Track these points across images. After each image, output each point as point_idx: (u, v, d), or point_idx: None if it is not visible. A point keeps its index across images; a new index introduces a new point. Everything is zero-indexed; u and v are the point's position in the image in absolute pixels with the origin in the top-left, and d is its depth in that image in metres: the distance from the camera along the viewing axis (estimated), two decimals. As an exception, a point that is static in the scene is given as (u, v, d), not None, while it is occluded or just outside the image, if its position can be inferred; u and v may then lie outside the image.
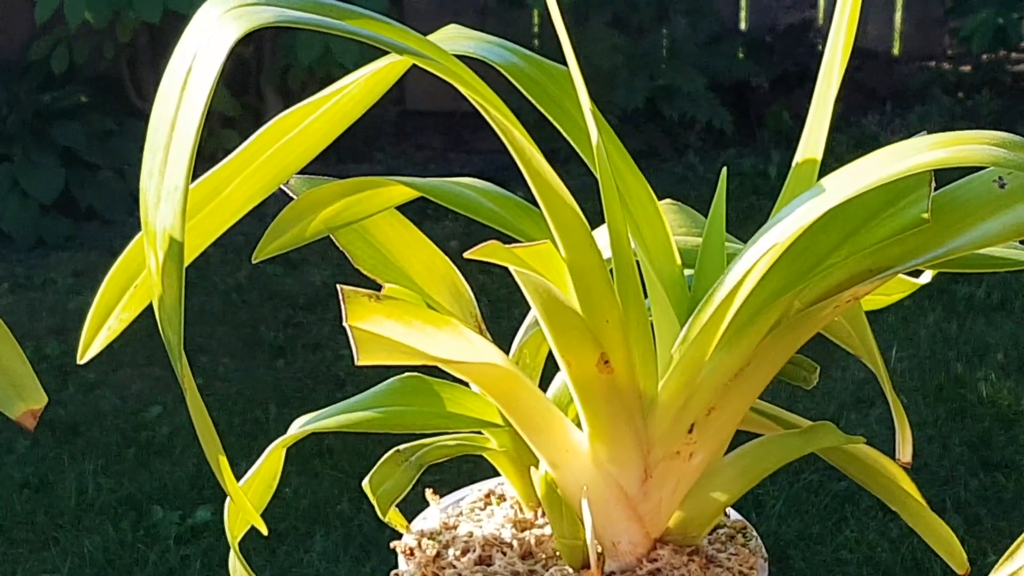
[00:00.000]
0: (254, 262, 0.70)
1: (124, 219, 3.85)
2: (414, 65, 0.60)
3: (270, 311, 3.17)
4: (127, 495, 2.41)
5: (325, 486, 2.42)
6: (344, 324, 0.55)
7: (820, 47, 4.74)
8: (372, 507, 2.42)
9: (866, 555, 2.22)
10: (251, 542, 2.25)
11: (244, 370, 2.89)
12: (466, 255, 0.56)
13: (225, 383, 2.83)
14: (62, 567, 2.19)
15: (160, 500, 2.38)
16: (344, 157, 4.28)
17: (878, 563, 2.20)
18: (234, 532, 0.68)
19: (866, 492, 2.46)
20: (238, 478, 2.33)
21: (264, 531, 0.62)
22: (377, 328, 0.56)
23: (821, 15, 4.82)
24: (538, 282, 0.60)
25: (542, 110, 0.68)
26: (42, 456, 2.56)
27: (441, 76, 0.58)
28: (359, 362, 0.55)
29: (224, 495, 2.24)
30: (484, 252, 0.56)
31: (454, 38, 0.67)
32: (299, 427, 0.67)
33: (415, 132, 4.52)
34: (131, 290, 0.65)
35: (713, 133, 4.31)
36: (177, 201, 0.51)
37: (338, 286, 0.56)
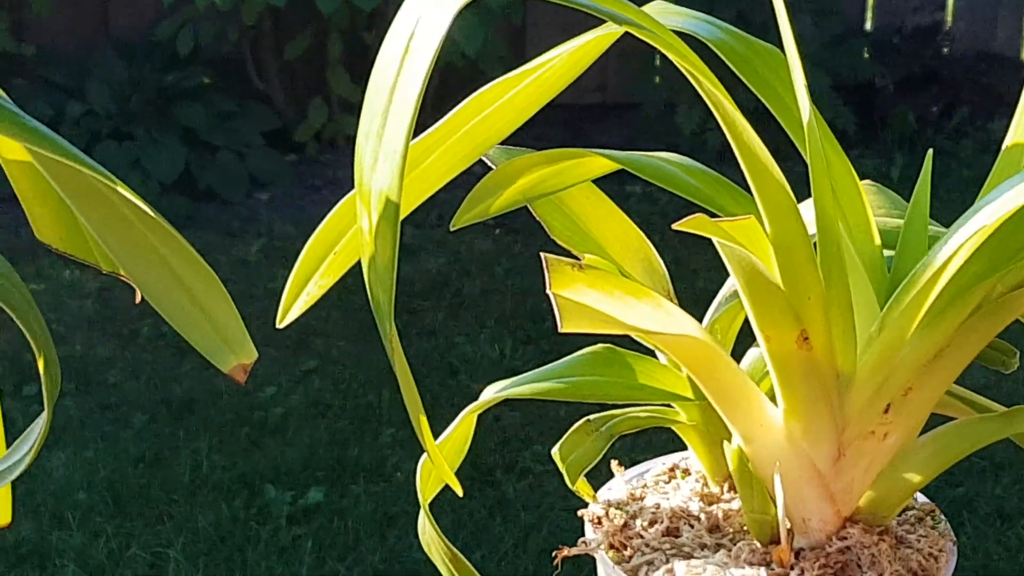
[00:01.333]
0: (452, 229, 0.73)
1: (242, 200, 3.88)
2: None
3: (385, 297, 3.17)
4: (240, 474, 2.42)
5: (437, 473, 2.42)
6: (548, 292, 0.55)
7: (947, 50, 4.66)
8: (483, 495, 2.41)
9: (982, 563, 2.18)
10: (362, 527, 2.26)
11: (358, 354, 2.90)
12: (675, 226, 0.56)
13: (339, 366, 2.85)
14: (175, 542, 2.21)
15: (272, 480, 2.40)
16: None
17: (995, 572, 2.16)
18: (425, 493, 0.69)
19: (984, 499, 2.41)
20: (355, 462, 2.34)
21: (459, 491, 0.63)
22: (579, 297, 0.57)
23: (949, 17, 4.74)
24: (742, 255, 0.60)
25: (750, 87, 0.68)
26: (158, 432, 2.59)
27: (658, 47, 0.58)
28: (562, 329, 0.55)
29: (337, 479, 2.25)
30: (691, 224, 0.56)
31: (662, 12, 0.67)
32: (493, 393, 0.68)
33: (534, 123, 4.50)
34: (330, 257, 0.67)
35: (836, 133, 4.24)
36: (396, 163, 0.52)
37: (542, 255, 0.57)
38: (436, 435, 0.65)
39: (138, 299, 0.61)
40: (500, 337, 3.00)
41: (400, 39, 0.54)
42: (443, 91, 4.36)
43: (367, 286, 0.54)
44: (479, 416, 0.70)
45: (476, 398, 0.68)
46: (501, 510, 2.33)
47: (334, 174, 4.15)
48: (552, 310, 0.58)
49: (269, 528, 2.25)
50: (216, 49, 4.12)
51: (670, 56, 0.58)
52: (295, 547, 2.21)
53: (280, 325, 0.68)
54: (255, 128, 4.06)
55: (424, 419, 0.56)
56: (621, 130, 4.44)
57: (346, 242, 0.66)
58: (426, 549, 0.71)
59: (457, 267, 3.39)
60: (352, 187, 0.55)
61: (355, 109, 4.25)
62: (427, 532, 0.71)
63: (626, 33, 0.59)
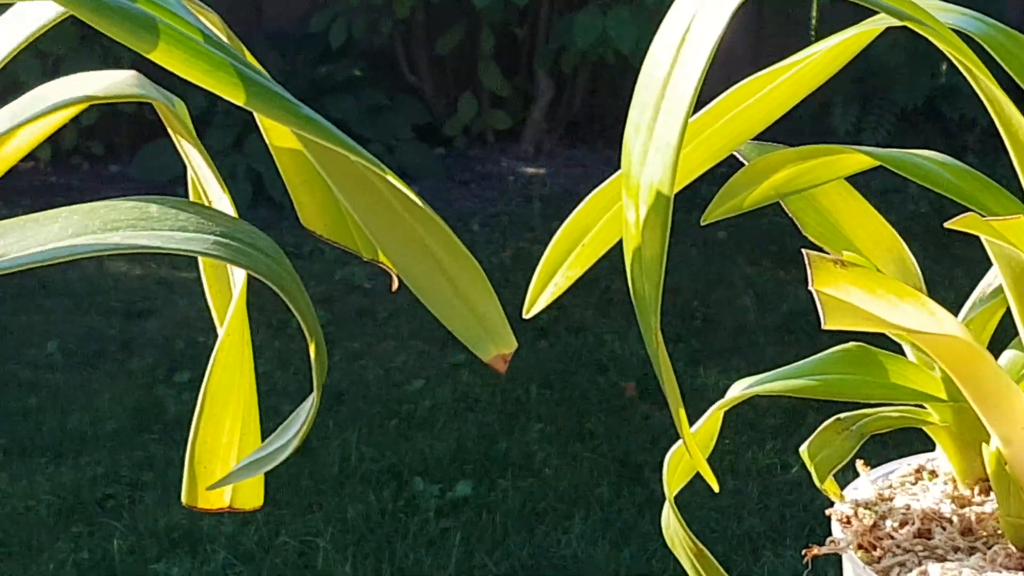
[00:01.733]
0: (703, 224, 0.72)
1: (392, 193, 3.89)
2: None
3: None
4: (389, 465, 2.42)
5: (585, 469, 2.40)
6: (810, 288, 0.54)
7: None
8: (632, 493, 2.38)
9: None
10: (510, 521, 2.24)
11: (506, 349, 2.89)
12: (946, 225, 0.56)
13: (487, 360, 2.83)
14: (324, 532, 2.21)
15: (421, 472, 2.39)
16: (611, 143, 4.26)
17: None
18: (672, 486, 0.68)
19: None
20: (503, 457, 2.31)
21: (715, 487, 0.62)
22: (842, 294, 0.56)
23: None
24: (1012, 254, 0.59)
25: (1021, 83, 0.66)
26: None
27: (935, 41, 0.57)
28: (826, 326, 0.54)
29: (485, 473, 2.24)
30: (963, 223, 0.56)
31: (928, 7, 0.65)
32: (741, 390, 0.67)
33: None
34: (578, 249, 0.67)
35: (993, 136, 4.15)
36: (669, 157, 0.52)
37: (804, 251, 0.56)
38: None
39: (395, 287, 0.62)
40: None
41: (675, 32, 0.54)
42: (592, 86, 4.35)
43: (630, 279, 0.54)
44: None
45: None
46: (650, 508, 2.30)
47: (483, 168, 4.15)
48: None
49: (417, 520, 2.25)
50: (368, 42, 4.14)
51: (948, 52, 0.57)
52: (443, 540, 2.20)
53: (527, 315, 0.67)
54: (405, 121, 4.07)
55: (683, 412, 0.56)
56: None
57: (594, 235, 0.66)
58: (670, 544, 0.70)
59: (606, 264, 3.35)
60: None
61: (505, 104, 4.25)
62: (672, 527, 0.70)
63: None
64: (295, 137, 0.61)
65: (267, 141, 0.65)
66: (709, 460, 0.64)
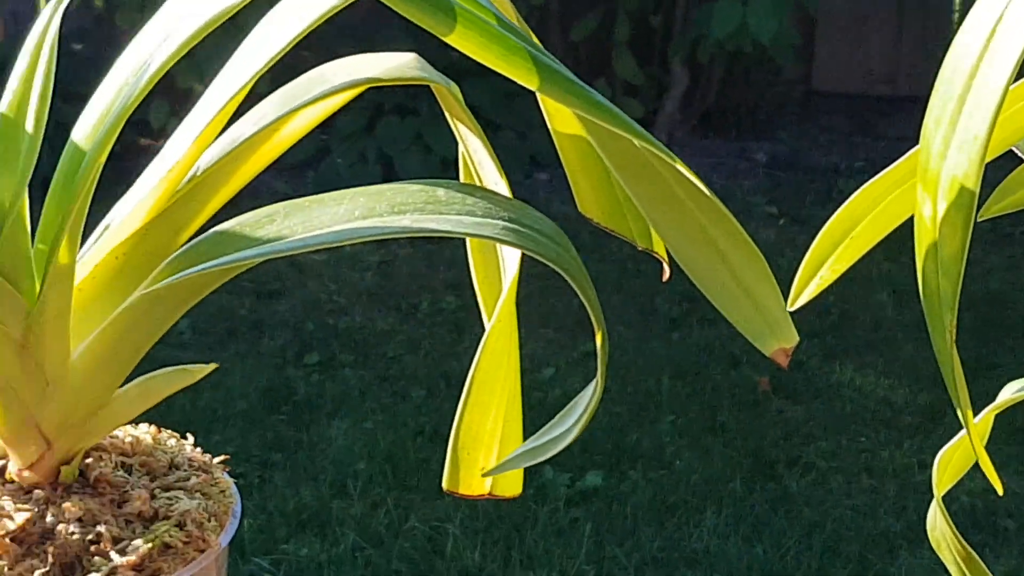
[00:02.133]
0: (978, 220, 0.69)
1: (520, 179, 3.88)
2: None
3: (667, 283, 3.13)
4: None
5: (717, 463, 2.36)
6: None
7: None
8: (765, 489, 2.32)
9: None
10: (641, 513, 2.21)
11: (637, 340, 2.86)
12: None
13: (618, 351, 2.81)
14: (454, 517, 2.20)
15: (551, 461, 2.36)
16: (744, 134, 4.21)
17: None
18: (941, 486, 0.65)
19: None
20: (633, 448, 2.27)
21: (999, 489, 0.60)
22: None
23: None
24: None
25: None
26: (437, 407, 2.58)
27: None
28: None
29: (615, 464, 2.20)
30: None
31: None
32: (1010, 393, 0.64)
33: (820, 113, 4.41)
34: (846, 242, 0.66)
35: None
36: (975, 151, 0.50)
37: None
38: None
39: (666, 276, 0.61)
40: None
41: (986, 21, 0.51)
42: (727, 76, 4.30)
43: (920, 276, 0.52)
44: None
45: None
46: (783, 505, 2.26)
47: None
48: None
49: (547, 509, 2.23)
50: (503, 29, 4.13)
51: None
52: (573, 529, 2.18)
53: (791, 308, 0.65)
54: (538, 108, 4.05)
55: (970, 414, 0.53)
56: (909, 124, 4.30)
57: (864, 227, 0.65)
58: (934, 545, 0.66)
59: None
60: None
61: (638, 92, 4.22)
62: (939, 528, 0.67)
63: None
64: (579, 124, 0.61)
65: (549, 127, 0.65)
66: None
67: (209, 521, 0.60)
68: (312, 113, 0.63)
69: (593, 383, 0.57)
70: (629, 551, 2.13)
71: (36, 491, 0.60)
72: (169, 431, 0.67)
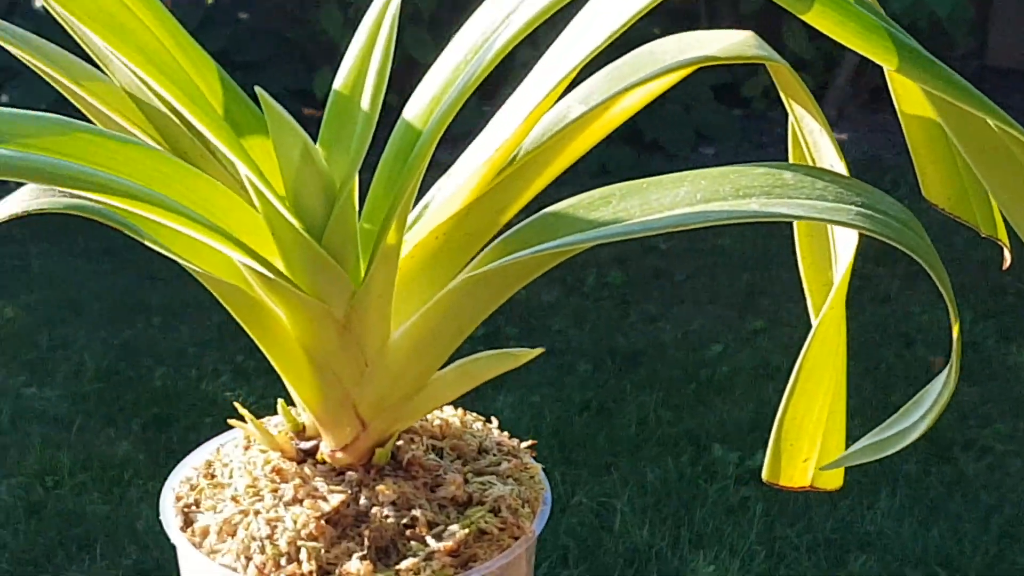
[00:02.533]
0: None
1: (687, 153, 3.83)
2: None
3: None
4: (687, 430, 2.37)
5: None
6: None
7: None
8: (941, 472, 2.26)
9: None
10: (812, 494, 2.17)
11: (808, 317, 2.80)
12: None
13: (788, 328, 2.76)
14: (621, 493, 2.18)
15: (720, 438, 2.34)
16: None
17: None
18: None
19: None
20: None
21: None
22: None
23: None
24: None
25: None
26: (603, 382, 2.56)
27: None
28: None
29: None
30: None
31: None
32: None
33: (994, 90, 4.29)
34: None
35: None
36: None
37: None
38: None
39: (1006, 265, 0.58)
40: (959, 309, 2.84)
41: None
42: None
43: None
44: None
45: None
46: (960, 488, 2.19)
47: (781, 131, 4.05)
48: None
49: (716, 487, 2.19)
50: None
51: None
52: (743, 508, 2.14)
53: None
54: (704, 81, 4.00)
55: None
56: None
57: None
58: None
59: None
60: None
61: (808, 67, 4.14)
62: None
63: None
64: (930, 106, 0.59)
65: (896, 107, 0.63)
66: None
67: (523, 507, 0.60)
68: (641, 92, 0.60)
69: (945, 373, 0.54)
70: (801, 532, 2.08)
71: (349, 473, 0.60)
72: (474, 414, 0.66)
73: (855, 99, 4.17)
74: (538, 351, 0.59)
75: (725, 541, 2.06)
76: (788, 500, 2.16)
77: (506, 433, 0.65)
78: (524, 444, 0.65)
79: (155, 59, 0.52)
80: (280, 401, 0.62)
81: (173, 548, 0.56)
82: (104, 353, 2.68)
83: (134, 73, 0.55)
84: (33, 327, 2.82)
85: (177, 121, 0.57)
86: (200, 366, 2.62)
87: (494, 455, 0.63)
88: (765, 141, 4.00)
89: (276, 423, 0.63)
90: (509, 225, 0.59)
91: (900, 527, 2.09)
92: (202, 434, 2.32)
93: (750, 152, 3.90)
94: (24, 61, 0.57)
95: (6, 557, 2.01)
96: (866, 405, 2.45)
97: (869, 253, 3.08)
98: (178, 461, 0.64)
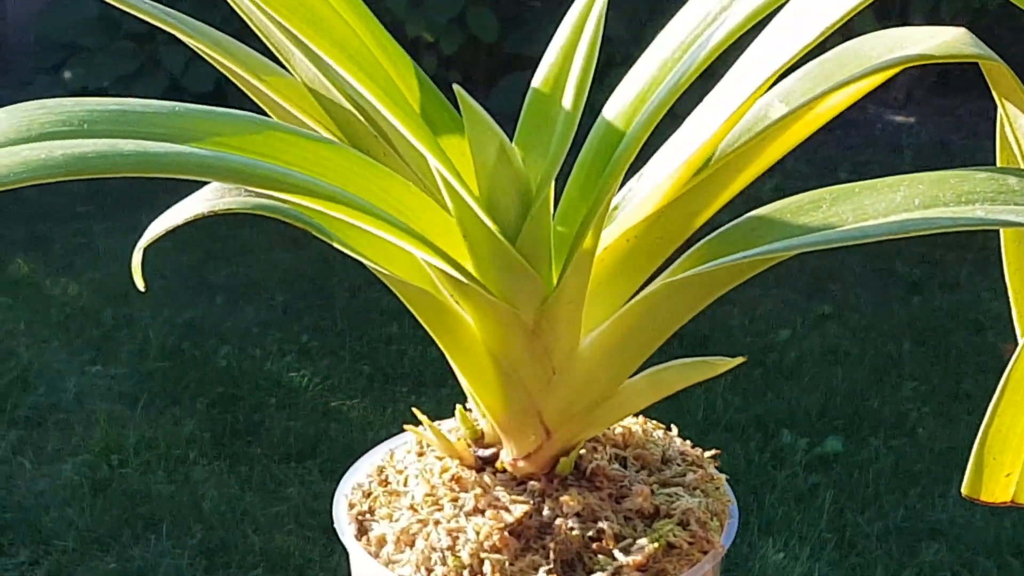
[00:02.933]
0: None
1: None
2: None
3: (905, 245, 3.04)
4: (755, 415, 2.35)
5: (962, 432, 2.29)
6: None
7: None
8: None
9: None
10: (883, 481, 2.15)
11: (876, 303, 2.78)
12: None
13: (857, 314, 2.73)
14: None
15: (788, 424, 2.32)
16: (985, 92, 4.06)
17: None
18: None
19: None
20: (874, 414, 2.19)
21: None
22: None
23: None
24: None
25: None
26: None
27: None
28: None
29: (855, 430, 2.12)
30: None
31: None
32: None
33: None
34: None
35: None
36: None
37: None
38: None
39: None
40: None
41: None
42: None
43: None
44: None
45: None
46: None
47: (849, 114, 4.01)
48: None
49: (785, 473, 2.17)
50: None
51: None
52: (812, 495, 2.12)
53: None
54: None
55: None
56: None
57: None
58: None
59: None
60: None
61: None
62: None
63: None
64: None
65: None
66: None
67: (712, 520, 0.58)
68: (846, 92, 0.57)
69: None
70: (871, 519, 2.06)
71: (530, 482, 0.58)
72: (654, 422, 0.64)
73: (923, 82, 4.14)
74: (738, 360, 0.57)
75: (795, 528, 2.04)
76: (858, 487, 2.14)
77: (688, 441, 0.63)
78: (708, 453, 0.62)
79: (355, 55, 0.50)
80: (459, 407, 0.61)
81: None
82: (168, 332, 2.68)
83: (326, 69, 0.53)
84: (98, 305, 2.82)
85: (360, 117, 0.56)
86: (264, 346, 2.62)
87: (678, 465, 0.61)
88: (832, 124, 3.93)
89: (449, 427, 0.62)
90: (700, 230, 0.57)
91: (972, 517, 2.07)
92: (266, 415, 2.31)
93: (817, 135, 3.85)
94: (200, 52, 0.55)
95: (72, 535, 2.01)
96: (936, 392, 2.43)
97: (938, 239, 3.05)
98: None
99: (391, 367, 2.55)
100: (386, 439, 0.64)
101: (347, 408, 2.39)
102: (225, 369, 2.51)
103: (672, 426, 0.64)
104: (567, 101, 0.54)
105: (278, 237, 3.12)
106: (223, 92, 3.79)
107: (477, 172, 0.52)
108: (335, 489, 0.59)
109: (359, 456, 0.62)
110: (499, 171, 0.51)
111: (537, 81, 0.55)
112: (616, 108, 0.55)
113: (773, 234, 0.51)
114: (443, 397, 2.44)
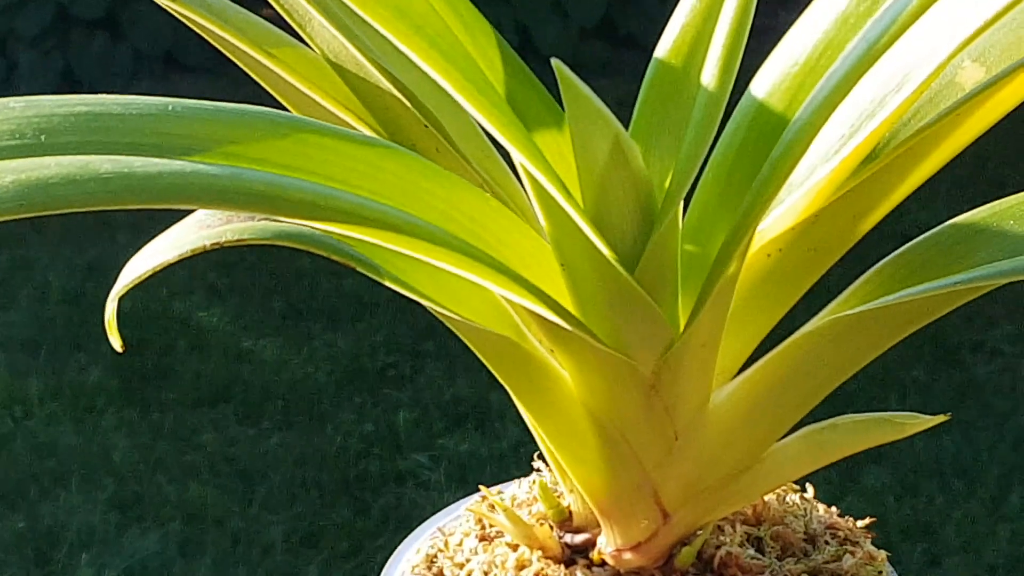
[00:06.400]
0: None
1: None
2: None
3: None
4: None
5: (896, 348, 2.23)
6: None
7: None
8: (949, 376, 2.17)
9: None
10: (819, 406, 2.09)
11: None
12: None
13: None
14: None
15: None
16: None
17: None
18: None
19: None
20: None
21: None
22: None
23: None
24: None
25: None
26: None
27: None
28: None
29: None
30: None
31: None
32: None
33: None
34: None
35: None
36: None
37: None
38: None
39: None
40: None
41: None
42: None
43: None
44: None
45: None
46: (971, 393, 2.12)
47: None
48: None
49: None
50: None
51: None
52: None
53: None
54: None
55: None
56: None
57: None
58: None
59: None
60: None
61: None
62: None
63: None
64: None
65: None
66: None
67: None
68: None
69: None
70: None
71: None
72: (787, 484, 0.49)
73: None
74: (940, 418, 0.45)
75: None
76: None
77: (833, 508, 0.50)
78: (860, 523, 0.50)
79: (409, 15, 0.38)
80: (538, 480, 0.48)
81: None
82: (69, 274, 2.57)
83: (359, 38, 0.40)
84: (-9, 247, 2.70)
85: (405, 101, 0.42)
86: (169, 285, 2.51)
87: (827, 542, 0.48)
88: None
89: (518, 497, 0.49)
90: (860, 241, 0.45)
91: (911, 437, 2.01)
92: (176, 358, 2.22)
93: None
94: (184, 20, 0.42)
95: (-25, 495, 1.92)
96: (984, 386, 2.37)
97: None
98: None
99: (303, 303, 2.46)
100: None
101: (260, 348, 2.30)
102: (130, 311, 2.41)
103: (807, 486, 0.51)
104: (708, 77, 0.41)
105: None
106: (116, 19, 3.62)
107: (581, 178, 0.39)
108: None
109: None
110: (612, 175, 0.38)
111: (662, 50, 0.42)
112: (768, 83, 0.43)
113: (989, 249, 0.40)
114: (360, 332, 2.35)
